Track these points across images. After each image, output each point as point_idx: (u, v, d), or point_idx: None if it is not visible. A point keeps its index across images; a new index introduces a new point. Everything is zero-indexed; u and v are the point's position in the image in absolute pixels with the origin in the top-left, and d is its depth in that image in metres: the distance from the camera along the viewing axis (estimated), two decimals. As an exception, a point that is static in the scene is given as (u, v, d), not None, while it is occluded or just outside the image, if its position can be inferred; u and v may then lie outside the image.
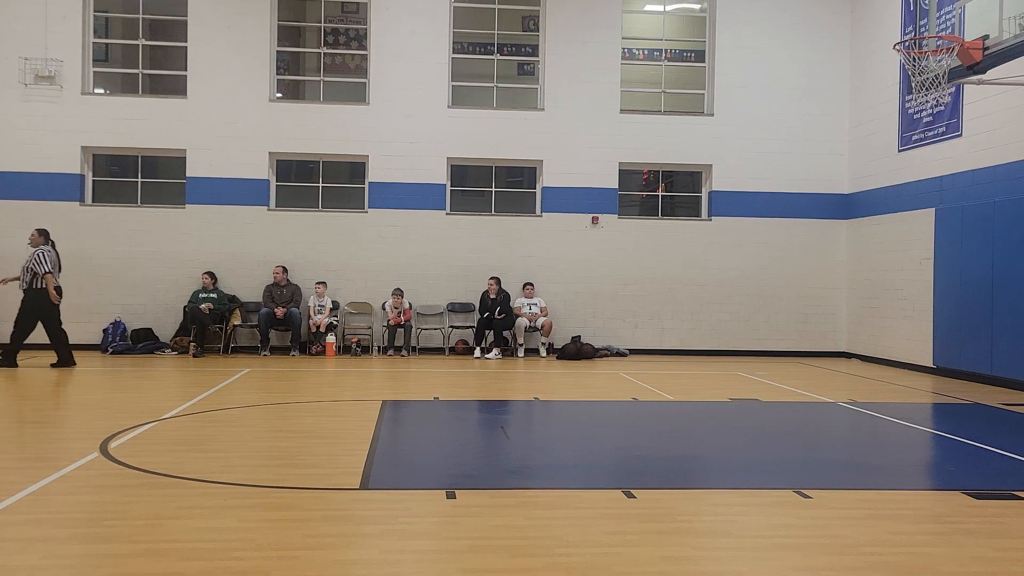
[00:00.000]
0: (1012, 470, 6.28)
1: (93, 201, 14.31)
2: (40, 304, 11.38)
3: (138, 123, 14.17)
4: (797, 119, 15.10)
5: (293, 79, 15.23)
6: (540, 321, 14.28)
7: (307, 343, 14.04)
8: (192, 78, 14.32)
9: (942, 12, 11.85)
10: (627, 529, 4.62)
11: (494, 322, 13.97)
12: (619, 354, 14.56)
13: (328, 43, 14.95)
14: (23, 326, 11.46)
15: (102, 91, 14.65)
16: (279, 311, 13.66)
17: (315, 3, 14.98)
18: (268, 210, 14.47)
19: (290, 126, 14.44)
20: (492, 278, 14.19)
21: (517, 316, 14.17)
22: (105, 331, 13.83)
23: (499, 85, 15.20)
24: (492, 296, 14.09)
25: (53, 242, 11.74)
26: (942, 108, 12.29)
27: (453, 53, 14.88)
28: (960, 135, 11.94)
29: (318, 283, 14.05)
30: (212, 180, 14.26)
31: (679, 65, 15.53)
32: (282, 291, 13.96)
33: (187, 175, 14.29)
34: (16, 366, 11.32)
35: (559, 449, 7.01)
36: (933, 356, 12.40)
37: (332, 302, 14.19)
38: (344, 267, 14.52)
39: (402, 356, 13.82)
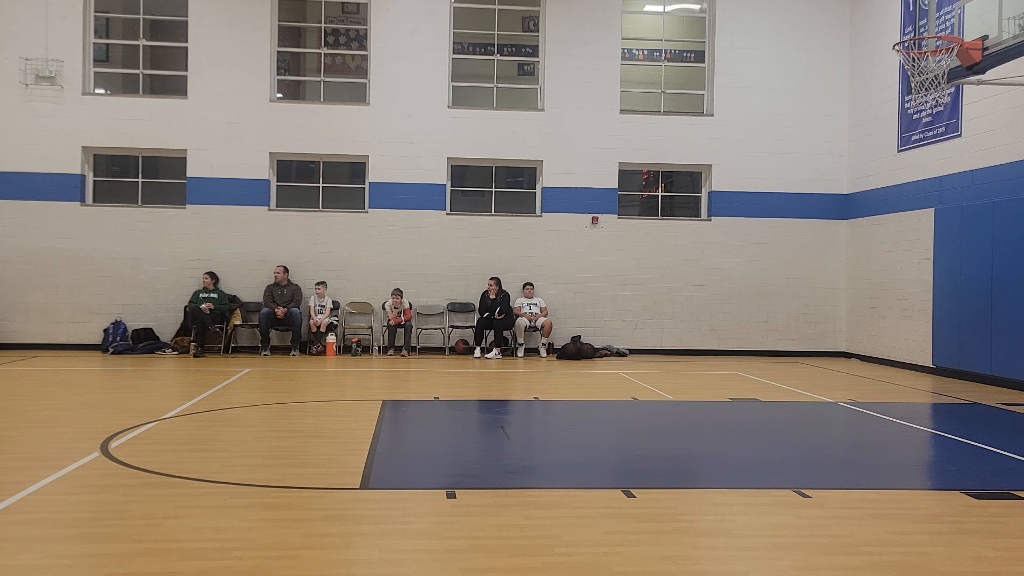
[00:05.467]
0: (1012, 470, 6.28)
1: (94, 201, 14.31)
2: None
3: (138, 123, 14.18)
4: (797, 119, 15.10)
5: (293, 79, 15.23)
6: (540, 321, 14.28)
7: (307, 343, 14.05)
8: (192, 78, 14.32)
9: (942, 12, 11.86)
10: (627, 529, 4.62)
11: (494, 322, 13.98)
12: (619, 354, 14.56)
13: (328, 43, 14.95)
14: None
15: (103, 91, 14.65)
16: (279, 311, 13.67)
17: (315, 3, 14.99)
18: (269, 210, 14.48)
19: (290, 126, 14.44)
20: (492, 278, 14.20)
21: (517, 316, 14.18)
22: (106, 331, 13.84)
23: (499, 85, 15.20)
24: (492, 296, 14.09)
25: None
26: (941, 108, 12.29)
27: (453, 53, 14.88)
28: (959, 135, 11.94)
29: (318, 283, 14.06)
30: (213, 180, 14.27)
31: (679, 65, 15.53)
32: (282, 291, 13.96)
33: (188, 175, 14.30)
34: None
35: (559, 449, 7.02)
36: (933, 356, 12.40)
37: (332, 302, 14.19)
38: (344, 267, 14.52)
39: (402, 356, 13.82)
